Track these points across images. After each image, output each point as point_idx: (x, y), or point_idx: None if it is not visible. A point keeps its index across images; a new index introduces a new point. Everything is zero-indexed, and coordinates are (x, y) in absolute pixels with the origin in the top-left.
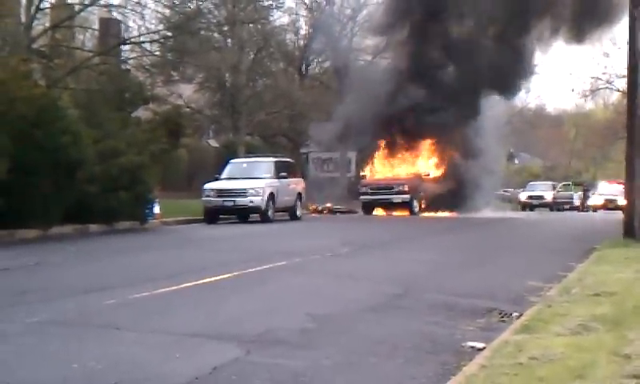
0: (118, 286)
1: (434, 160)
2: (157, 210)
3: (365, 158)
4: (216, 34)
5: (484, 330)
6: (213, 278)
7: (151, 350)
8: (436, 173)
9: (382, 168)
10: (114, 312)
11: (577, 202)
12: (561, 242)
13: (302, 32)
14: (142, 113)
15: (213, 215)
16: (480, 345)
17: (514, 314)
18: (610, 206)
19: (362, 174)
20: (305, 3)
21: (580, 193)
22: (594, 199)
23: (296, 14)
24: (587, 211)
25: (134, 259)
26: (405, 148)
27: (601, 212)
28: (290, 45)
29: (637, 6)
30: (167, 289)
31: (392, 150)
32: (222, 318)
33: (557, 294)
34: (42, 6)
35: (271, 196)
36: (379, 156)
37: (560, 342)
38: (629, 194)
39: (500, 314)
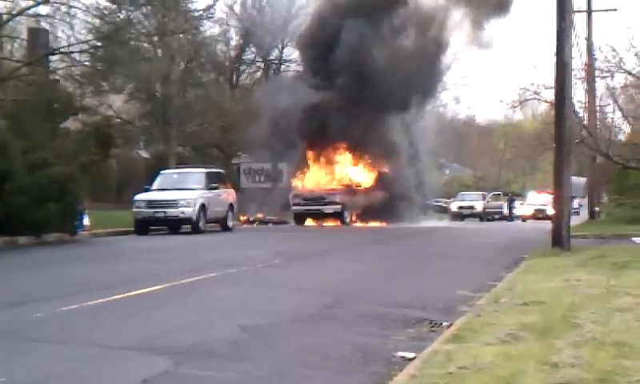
0: (47, 299)
1: (365, 171)
2: (86, 221)
3: (296, 168)
4: (146, 44)
5: (414, 339)
6: (143, 290)
7: (80, 363)
8: (367, 183)
9: (313, 179)
10: (42, 325)
11: (506, 212)
12: (490, 252)
13: (233, 42)
14: (71, 123)
15: (143, 226)
16: (410, 355)
17: (445, 324)
18: (539, 215)
19: (293, 184)
20: (235, 14)
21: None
22: (524, 209)
23: (227, 25)
24: (514, 221)
25: (63, 271)
26: (335, 159)
27: (530, 222)
28: (221, 55)
29: (564, 18)
30: (97, 301)
31: (323, 160)
32: (152, 330)
33: (486, 303)
34: None
35: (202, 207)
36: (311, 167)
37: (489, 351)
38: (557, 203)
39: (430, 323)
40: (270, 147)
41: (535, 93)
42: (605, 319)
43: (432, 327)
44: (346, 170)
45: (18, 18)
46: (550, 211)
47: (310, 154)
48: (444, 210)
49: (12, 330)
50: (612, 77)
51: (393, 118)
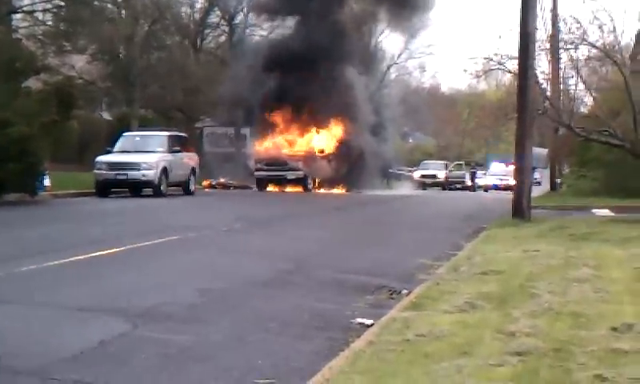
0: (5, 259)
1: (328, 137)
2: (47, 182)
3: (259, 133)
4: (110, 5)
5: (373, 306)
6: (103, 252)
7: (37, 324)
8: (330, 150)
9: (276, 144)
10: (0, 285)
11: (469, 182)
12: (451, 221)
13: (198, 5)
14: (32, 83)
15: (104, 188)
16: (369, 321)
17: (404, 292)
18: (500, 185)
19: (256, 149)
20: None
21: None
22: (486, 179)
23: None
24: (476, 191)
25: (22, 232)
26: (298, 123)
27: (491, 192)
28: (186, 18)
29: None
30: (56, 262)
31: (286, 126)
32: (110, 293)
33: (446, 272)
34: None
35: (164, 170)
36: (274, 132)
37: (447, 319)
38: (518, 174)
39: (389, 291)
40: (233, 112)
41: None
42: (562, 290)
43: (391, 295)
44: (309, 136)
45: None
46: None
47: (273, 120)
48: (407, 179)
49: None
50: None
51: (355, 82)
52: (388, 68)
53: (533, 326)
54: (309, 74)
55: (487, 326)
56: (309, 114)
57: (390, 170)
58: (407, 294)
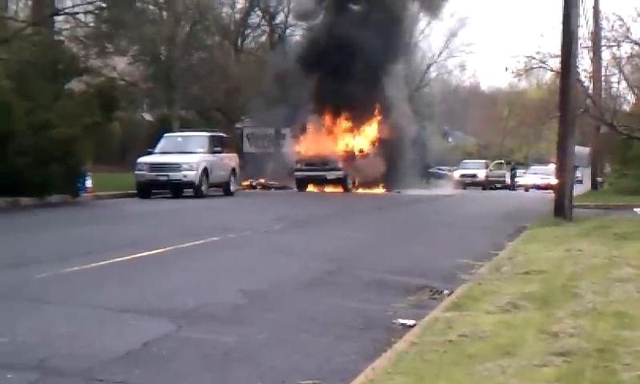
0: (49, 260)
1: (368, 137)
2: (89, 183)
3: (299, 133)
4: (151, 6)
5: (415, 307)
6: (145, 253)
7: (82, 325)
8: (370, 149)
9: (316, 144)
10: (45, 286)
11: (509, 181)
12: (492, 220)
13: (239, 6)
14: (75, 85)
15: (146, 190)
16: (411, 322)
17: (445, 292)
18: (541, 185)
19: (296, 149)
20: None
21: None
22: (526, 178)
23: None
24: (516, 190)
25: (65, 233)
26: (338, 123)
27: (532, 191)
28: (226, 18)
29: None
30: (99, 263)
31: (326, 125)
32: (153, 294)
33: (487, 271)
34: None
35: (205, 171)
36: (313, 131)
37: (490, 319)
38: (560, 173)
39: (431, 291)
40: (274, 112)
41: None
42: (605, 289)
43: (433, 295)
44: (349, 136)
45: None
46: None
47: (313, 119)
48: (447, 178)
49: (14, 291)
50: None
51: (396, 82)
52: (428, 67)
53: (576, 326)
54: (348, 73)
55: (530, 327)
56: (348, 114)
57: (430, 170)
58: (449, 294)
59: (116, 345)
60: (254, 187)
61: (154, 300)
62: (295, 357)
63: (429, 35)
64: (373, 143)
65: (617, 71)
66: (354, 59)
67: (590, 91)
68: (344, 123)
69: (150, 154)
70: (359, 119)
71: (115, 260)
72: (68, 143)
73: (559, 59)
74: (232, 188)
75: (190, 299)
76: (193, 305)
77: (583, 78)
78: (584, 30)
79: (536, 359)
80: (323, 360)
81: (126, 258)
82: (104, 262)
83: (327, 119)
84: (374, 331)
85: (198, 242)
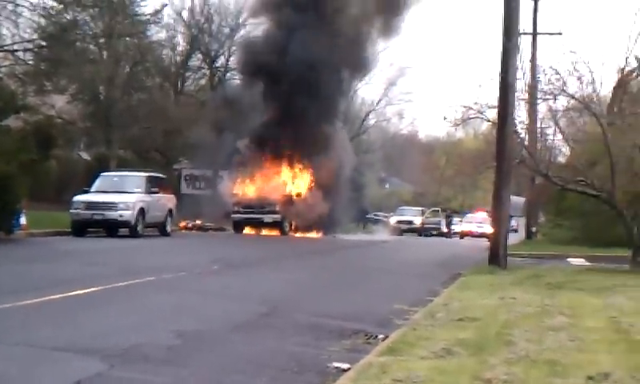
0: None
1: (305, 182)
2: (23, 220)
3: (237, 176)
4: (92, 46)
5: (350, 351)
6: (79, 292)
7: (13, 363)
8: (308, 193)
9: (253, 187)
10: None
11: (444, 229)
12: (428, 267)
13: (180, 48)
14: (12, 122)
15: (81, 228)
16: (345, 365)
17: (380, 336)
18: (475, 233)
19: (233, 191)
20: (183, 20)
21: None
22: (462, 226)
23: (174, 30)
24: (451, 237)
25: None
26: (276, 166)
27: (467, 239)
28: (167, 60)
29: (510, 38)
30: (31, 301)
31: (264, 168)
32: (86, 333)
33: (422, 317)
34: None
35: (141, 211)
36: (251, 174)
37: (424, 365)
38: (495, 222)
39: (366, 335)
40: (212, 154)
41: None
42: (538, 337)
43: (367, 339)
44: (287, 179)
45: None
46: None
47: (251, 162)
48: (383, 224)
49: None
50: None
51: (334, 127)
52: (367, 114)
53: (509, 373)
54: (287, 118)
55: (464, 373)
56: (286, 158)
57: (367, 215)
58: (383, 339)
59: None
60: (191, 228)
61: (88, 339)
62: None
63: (368, 83)
64: (311, 187)
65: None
66: (295, 102)
67: (526, 142)
68: (282, 166)
69: (86, 192)
70: (297, 163)
71: (49, 298)
72: (3, 180)
73: (496, 110)
74: (168, 229)
75: (123, 339)
76: (126, 344)
77: (519, 130)
78: (521, 83)
79: None
80: None
81: (59, 295)
82: (37, 300)
83: (265, 162)
84: (309, 374)
85: (133, 282)
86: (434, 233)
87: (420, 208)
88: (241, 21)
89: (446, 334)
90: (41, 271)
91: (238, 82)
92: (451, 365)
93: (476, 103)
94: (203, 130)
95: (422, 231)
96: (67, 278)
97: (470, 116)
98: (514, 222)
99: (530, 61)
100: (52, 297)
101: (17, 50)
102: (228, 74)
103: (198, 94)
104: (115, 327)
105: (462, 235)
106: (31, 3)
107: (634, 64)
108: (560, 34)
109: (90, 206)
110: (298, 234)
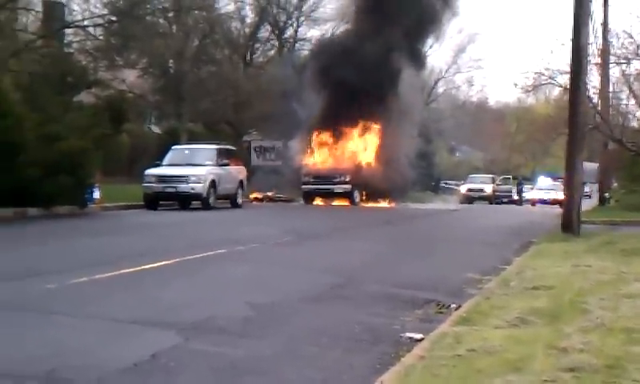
0: (57, 271)
1: (376, 149)
2: (97, 194)
3: (307, 145)
4: (161, 20)
5: (423, 321)
6: (153, 265)
7: (90, 336)
8: (378, 162)
9: (324, 157)
10: (53, 297)
11: (516, 196)
12: (500, 235)
13: (248, 20)
14: (84, 97)
15: (153, 201)
16: (418, 336)
17: (453, 306)
18: (548, 200)
19: (303, 162)
20: None
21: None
22: (534, 193)
23: (242, 2)
24: (523, 205)
25: (73, 244)
26: (346, 136)
27: (539, 206)
28: (235, 32)
29: (581, 4)
30: (107, 274)
31: (334, 138)
32: (161, 305)
33: (495, 286)
34: None
35: (213, 183)
36: (321, 144)
37: (498, 334)
38: (568, 188)
39: (438, 305)
40: (281, 125)
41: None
42: (614, 305)
43: (440, 309)
44: (357, 149)
45: None
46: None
47: (321, 132)
48: (454, 192)
49: (24, 302)
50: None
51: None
52: (436, 82)
53: (585, 341)
54: (358, 87)
55: (539, 342)
56: (357, 127)
57: (438, 183)
58: (457, 309)
59: (124, 356)
60: (261, 200)
61: (162, 312)
62: (305, 370)
63: (437, 50)
64: (380, 156)
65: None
66: (365, 71)
67: (599, 108)
68: (352, 136)
69: (157, 166)
70: (368, 132)
71: (123, 271)
72: (77, 155)
73: (568, 76)
74: (239, 200)
75: (197, 311)
76: (201, 317)
77: (592, 95)
78: (593, 47)
79: (545, 375)
80: (333, 373)
81: (133, 269)
82: (112, 274)
83: (335, 132)
84: (383, 345)
85: (205, 254)
86: (505, 200)
87: (491, 175)
88: None
89: (520, 303)
90: (115, 245)
91: (307, 52)
92: (526, 334)
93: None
94: (272, 102)
95: (493, 199)
96: (141, 250)
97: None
98: (587, 188)
99: (602, 24)
100: (126, 270)
101: (87, 26)
102: (297, 45)
103: (267, 65)
104: (189, 300)
105: (534, 202)
106: None
107: None
108: None
109: (162, 179)
110: (368, 204)
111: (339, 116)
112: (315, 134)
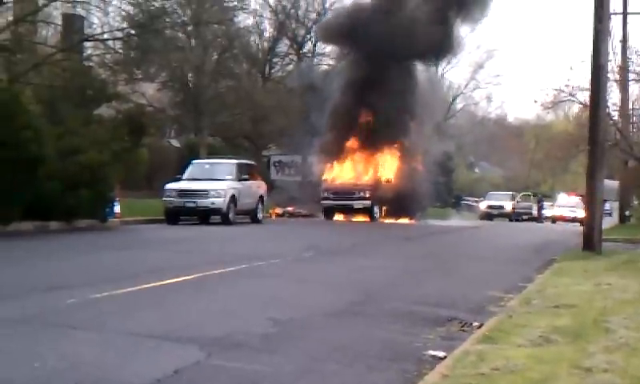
0: (78, 285)
1: (396, 165)
2: (117, 208)
3: (326, 161)
4: (180, 34)
5: (445, 338)
6: (173, 280)
7: (112, 351)
8: (397, 179)
9: (343, 172)
10: (74, 311)
11: (536, 213)
12: (520, 253)
13: (267, 34)
14: (104, 110)
15: (173, 216)
16: (441, 354)
17: (475, 324)
18: (567, 218)
19: (323, 178)
20: (270, 5)
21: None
22: (554, 210)
23: (261, 16)
24: (543, 222)
25: (94, 258)
26: (366, 152)
27: (559, 223)
28: (254, 47)
29: (601, 21)
30: (127, 289)
31: (354, 153)
32: (182, 321)
33: (517, 304)
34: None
35: (233, 198)
36: (341, 159)
37: (521, 353)
38: (589, 206)
39: (460, 323)
40: (301, 140)
41: (570, 94)
42: (637, 325)
43: (462, 327)
44: (377, 165)
45: (53, 4)
46: (580, 213)
47: (341, 147)
48: (473, 209)
49: (45, 316)
50: None
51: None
52: (454, 98)
53: (609, 361)
54: (377, 103)
55: (563, 361)
56: (377, 143)
57: (458, 200)
58: (479, 327)
59: (147, 371)
60: (281, 215)
61: (184, 327)
62: None
63: (455, 66)
64: (400, 173)
65: None
66: (384, 86)
67: (619, 125)
68: (372, 152)
69: (177, 180)
70: (387, 148)
71: (144, 286)
72: (97, 168)
73: (588, 92)
74: (259, 216)
75: (218, 327)
76: (222, 333)
77: (612, 112)
78: (612, 64)
79: None
80: None
81: (154, 284)
82: (133, 288)
83: (355, 147)
84: (404, 362)
85: (226, 270)
86: (525, 218)
87: (510, 192)
88: (327, 5)
89: (543, 322)
90: (136, 259)
91: (325, 67)
92: (549, 353)
93: (567, 85)
94: (291, 116)
95: (513, 216)
96: (161, 266)
97: (562, 98)
98: (607, 206)
99: (621, 42)
100: (147, 285)
101: (107, 39)
102: (315, 60)
103: (285, 79)
104: (210, 315)
105: (554, 220)
106: None
107: None
108: None
109: (183, 193)
110: (387, 220)
111: (360, 131)
112: (335, 148)
